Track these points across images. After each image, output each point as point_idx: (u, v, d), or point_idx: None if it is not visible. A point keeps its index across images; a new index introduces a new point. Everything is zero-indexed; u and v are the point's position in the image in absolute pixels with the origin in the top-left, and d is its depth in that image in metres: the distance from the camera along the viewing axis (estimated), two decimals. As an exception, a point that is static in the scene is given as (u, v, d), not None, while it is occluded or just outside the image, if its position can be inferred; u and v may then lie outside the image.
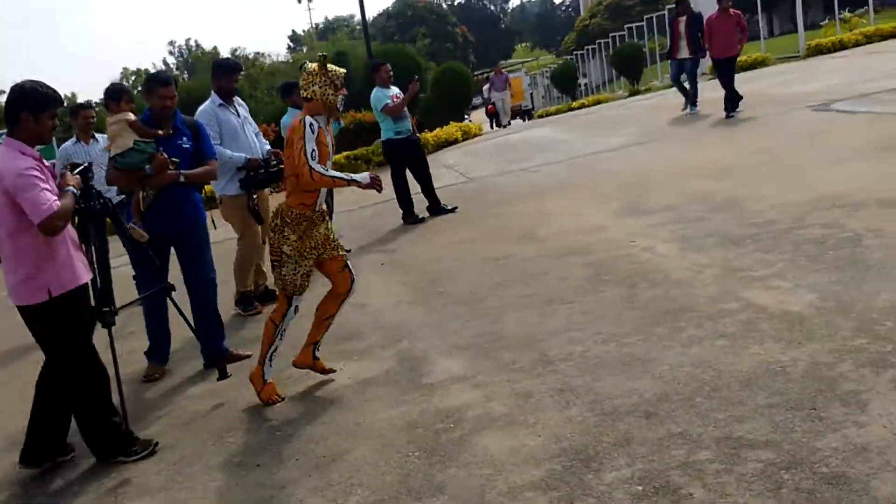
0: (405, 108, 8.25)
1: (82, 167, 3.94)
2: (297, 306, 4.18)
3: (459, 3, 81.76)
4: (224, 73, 6.17)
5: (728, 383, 3.27)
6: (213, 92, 6.16)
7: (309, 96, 3.98)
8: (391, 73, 8.26)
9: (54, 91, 3.66)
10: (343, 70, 4.05)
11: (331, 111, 4.06)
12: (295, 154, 3.90)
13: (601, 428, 3.13)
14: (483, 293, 5.29)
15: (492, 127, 23.69)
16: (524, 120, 27.42)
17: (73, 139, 7.11)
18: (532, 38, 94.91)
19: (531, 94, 35.08)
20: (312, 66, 3.99)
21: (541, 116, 26.83)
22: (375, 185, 4.08)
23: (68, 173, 3.85)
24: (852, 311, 3.69)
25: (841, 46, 18.09)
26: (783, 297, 4.08)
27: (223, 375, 4.66)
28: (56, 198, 3.49)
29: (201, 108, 6.10)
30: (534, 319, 4.57)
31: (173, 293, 4.75)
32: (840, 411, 2.87)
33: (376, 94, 8.12)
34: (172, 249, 4.99)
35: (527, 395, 3.58)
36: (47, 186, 3.49)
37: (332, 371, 4.38)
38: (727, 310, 4.06)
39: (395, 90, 8.23)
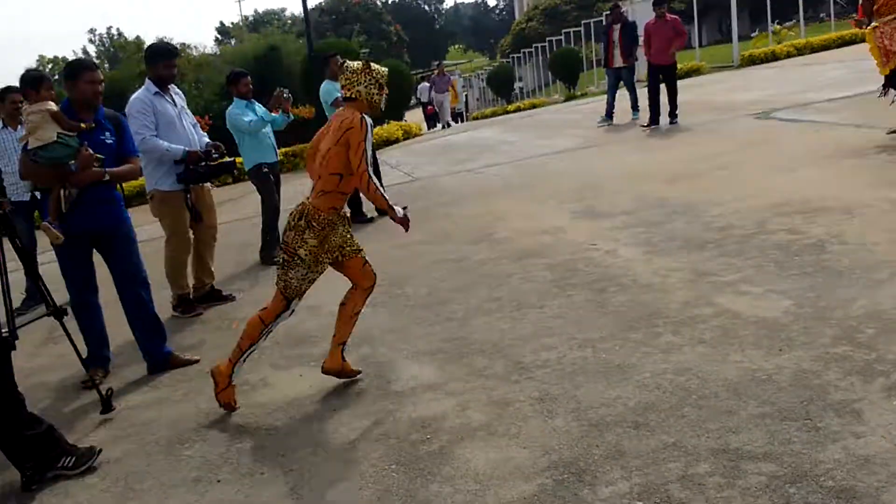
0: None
1: None
2: (293, 310, 3.93)
3: (394, 2, 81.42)
4: (160, 59, 5.72)
5: (715, 392, 3.18)
6: (147, 79, 5.75)
7: (353, 95, 3.78)
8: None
9: None
10: (385, 69, 3.90)
11: (375, 111, 3.88)
12: (353, 157, 3.66)
13: (589, 439, 2.99)
14: (445, 296, 5.11)
15: (429, 128, 23.53)
16: (458, 122, 27.41)
17: (0, 124, 6.64)
18: (466, 41, 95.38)
19: (465, 95, 35.16)
20: (356, 65, 3.80)
21: (476, 118, 26.86)
22: (405, 224, 3.88)
23: None
24: (831, 318, 3.65)
25: (773, 57, 18.68)
26: (756, 302, 4.03)
27: (107, 408, 4.12)
28: None
29: (135, 95, 5.69)
30: (503, 324, 4.41)
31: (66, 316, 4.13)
32: (836, 421, 2.79)
33: (326, 87, 7.84)
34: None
35: (505, 404, 3.42)
36: None
37: (359, 372, 4.06)
38: (702, 315, 3.99)
39: (345, 84, 7.95)
